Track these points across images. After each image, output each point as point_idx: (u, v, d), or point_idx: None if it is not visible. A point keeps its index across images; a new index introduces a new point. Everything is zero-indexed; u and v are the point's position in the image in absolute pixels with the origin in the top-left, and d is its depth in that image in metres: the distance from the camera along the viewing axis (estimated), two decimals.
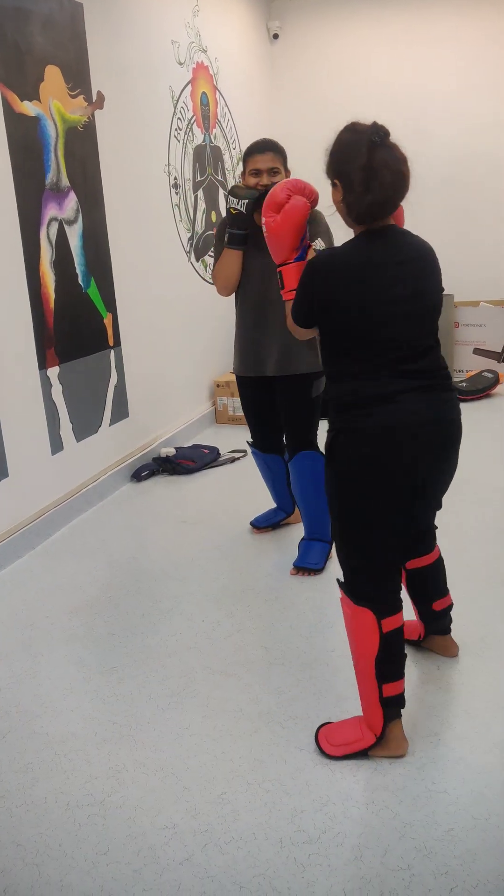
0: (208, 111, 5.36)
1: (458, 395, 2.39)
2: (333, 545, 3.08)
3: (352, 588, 2.02)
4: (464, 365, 6.62)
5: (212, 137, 5.43)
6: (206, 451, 4.67)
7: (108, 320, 4.14)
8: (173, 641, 2.68)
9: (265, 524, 3.56)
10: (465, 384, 5.96)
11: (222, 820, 1.86)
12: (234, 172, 5.84)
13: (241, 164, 3.10)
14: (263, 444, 3.37)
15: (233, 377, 5.49)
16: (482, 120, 6.43)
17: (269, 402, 3.23)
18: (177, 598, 2.98)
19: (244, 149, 3.09)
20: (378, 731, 2.02)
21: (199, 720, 2.24)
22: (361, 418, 1.92)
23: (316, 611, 2.83)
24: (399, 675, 2.01)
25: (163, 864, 1.74)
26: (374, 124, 1.91)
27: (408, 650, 2.52)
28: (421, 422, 1.92)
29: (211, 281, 5.46)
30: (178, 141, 4.91)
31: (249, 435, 3.43)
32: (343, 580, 2.06)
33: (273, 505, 3.64)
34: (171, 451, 4.57)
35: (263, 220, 2.21)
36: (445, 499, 2.26)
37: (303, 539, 3.22)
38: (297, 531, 3.50)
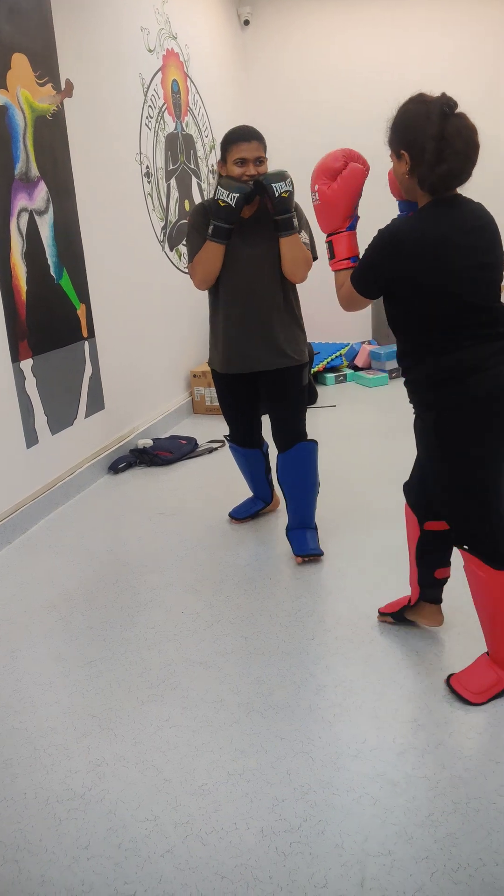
0: (179, 99, 5.31)
1: None
2: (317, 530, 3.11)
3: (488, 554, 2.08)
4: None
5: (184, 125, 5.39)
6: (184, 442, 4.66)
7: (81, 311, 4.10)
8: (152, 633, 2.66)
9: (245, 515, 3.54)
10: None
11: (203, 811, 1.85)
12: (206, 160, 5.80)
13: (216, 151, 3.00)
14: (244, 440, 3.33)
15: (209, 367, 5.46)
16: (458, 105, 6.42)
17: (250, 396, 3.21)
18: (155, 590, 2.97)
19: (219, 137, 3.05)
20: None
21: (179, 712, 2.23)
22: (462, 392, 1.99)
23: (295, 600, 2.83)
24: None
25: (144, 856, 1.73)
26: (444, 95, 1.94)
27: (385, 632, 2.53)
28: None
29: (186, 271, 5.42)
30: (150, 129, 4.87)
31: (227, 430, 3.39)
32: (476, 548, 2.11)
33: (249, 494, 3.63)
34: (148, 442, 4.55)
35: (316, 186, 2.17)
36: None
37: (291, 529, 3.18)
38: (273, 520, 3.50)
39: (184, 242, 5.37)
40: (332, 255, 2.20)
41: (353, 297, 2.13)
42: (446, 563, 2.43)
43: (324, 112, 6.68)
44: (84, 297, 4.12)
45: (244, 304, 2.97)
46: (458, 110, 1.93)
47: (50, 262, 3.79)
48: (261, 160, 2.88)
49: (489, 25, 6.28)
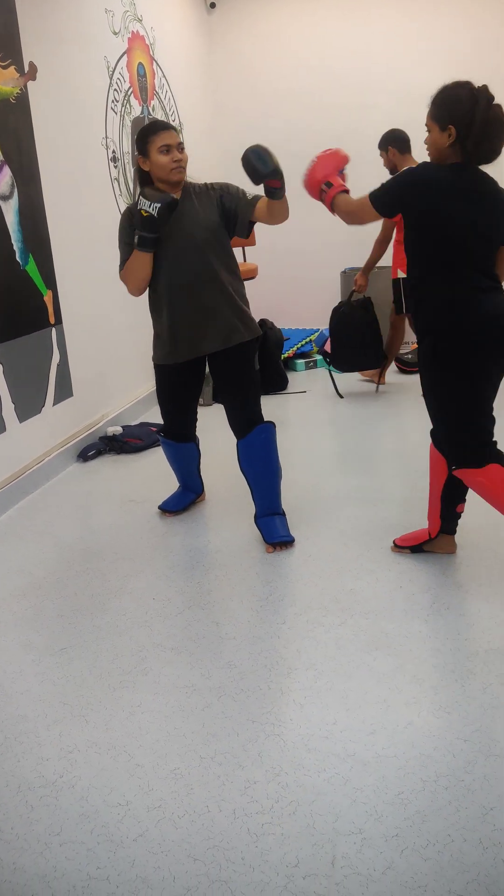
0: (146, 82, 5.26)
1: (404, 366, 2.93)
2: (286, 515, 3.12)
3: (474, 456, 2.56)
4: (409, 337, 6.67)
5: (150, 109, 5.34)
6: (154, 430, 4.64)
7: (48, 298, 4.06)
8: (123, 620, 2.66)
9: (178, 507, 3.51)
10: (410, 356, 6.02)
11: (175, 795, 1.86)
12: None
13: (183, 135, 2.94)
14: (181, 435, 3.32)
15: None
16: (422, 90, 6.42)
17: (191, 388, 3.21)
18: (126, 577, 2.97)
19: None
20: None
21: (151, 697, 2.24)
22: (468, 308, 2.44)
23: (266, 585, 2.84)
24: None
25: (116, 841, 1.74)
26: (486, 86, 2.38)
27: (355, 614, 2.55)
28: None
29: None
30: (116, 113, 4.82)
31: (165, 426, 3.34)
32: (463, 458, 2.58)
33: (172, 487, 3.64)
34: (117, 429, 4.53)
35: (315, 156, 2.61)
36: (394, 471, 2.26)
37: (260, 517, 3.17)
38: (243, 506, 3.49)
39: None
40: (328, 187, 2.61)
41: (363, 212, 2.54)
42: (464, 499, 2.84)
43: (288, 97, 6.66)
44: (51, 283, 4.08)
45: (193, 291, 2.93)
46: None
47: (15, 247, 3.75)
48: (182, 146, 2.88)
49: (454, 12, 6.29)
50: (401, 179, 2.47)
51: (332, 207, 2.64)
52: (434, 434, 2.74)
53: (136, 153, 2.90)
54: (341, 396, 5.40)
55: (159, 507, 3.54)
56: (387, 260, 5.38)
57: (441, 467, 2.74)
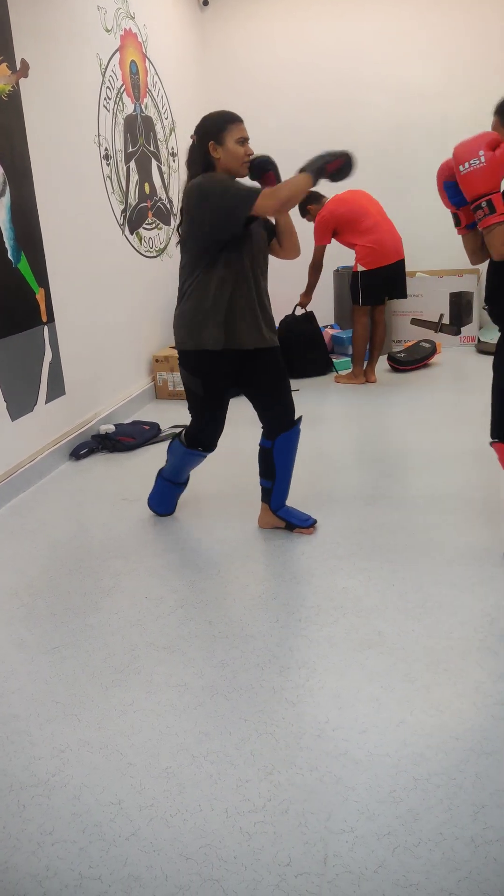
0: (138, 80, 5.25)
1: (397, 365, 2.97)
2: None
3: None
4: (401, 335, 6.68)
5: (143, 107, 5.33)
6: (147, 428, 4.64)
7: (40, 296, 4.05)
8: (116, 619, 2.66)
9: (173, 508, 3.51)
10: (402, 354, 6.02)
11: (167, 794, 1.86)
12: (166, 143, 5.75)
13: (176, 134, 2.90)
14: (212, 444, 3.19)
15: (172, 352, 5.44)
16: (413, 88, 6.44)
17: (230, 386, 3.11)
18: (119, 575, 2.96)
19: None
20: None
21: (144, 696, 2.23)
22: None
23: (258, 583, 2.84)
24: None
25: (108, 840, 1.74)
26: None
27: (347, 613, 2.56)
28: None
29: (146, 254, 5.39)
30: (108, 111, 4.81)
31: (196, 435, 3.14)
32: None
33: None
34: (110, 427, 4.52)
35: (481, 152, 2.44)
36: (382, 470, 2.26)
37: (282, 507, 3.24)
38: (236, 504, 3.49)
39: (175, 213, 5.31)
40: (492, 210, 2.47)
41: None
42: None
43: (281, 94, 6.66)
44: (43, 281, 4.07)
45: (255, 277, 2.93)
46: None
47: (7, 245, 3.73)
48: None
49: (446, 9, 6.29)
50: None
51: (486, 232, 2.51)
52: (495, 427, 2.88)
53: (201, 136, 2.83)
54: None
55: (158, 512, 3.47)
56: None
57: None
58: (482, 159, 2.44)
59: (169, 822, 1.77)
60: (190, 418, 3.16)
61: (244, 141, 2.81)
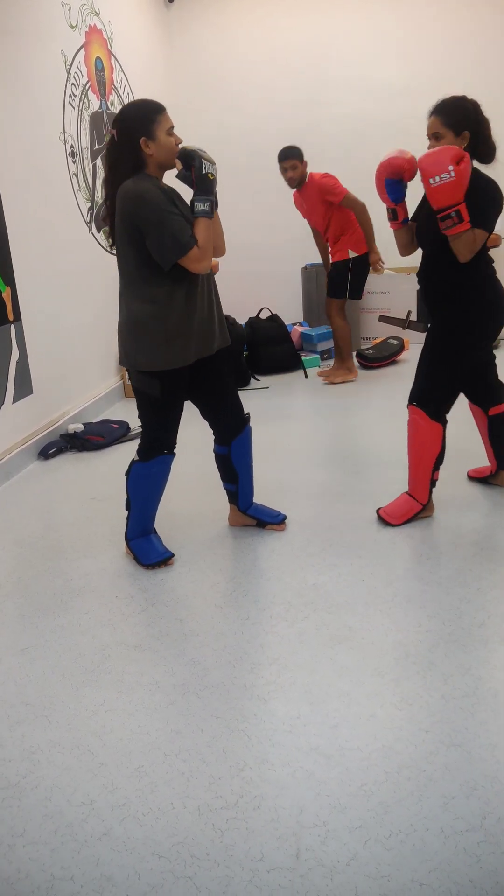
0: (104, 77, 5.22)
1: (365, 362, 3.23)
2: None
3: (432, 410, 3.02)
4: (369, 332, 6.72)
5: (108, 104, 5.30)
6: (116, 427, 4.62)
7: (6, 294, 4.01)
8: (86, 619, 2.65)
9: (167, 553, 3.05)
10: (371, 351, 6.05)
11: (139, 793, 1.86)
12: None
13: (131, 127, 2.55)
14: (175, 439, 2.95)
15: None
16: (380, 87, 6.48)
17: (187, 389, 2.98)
18: (88, 575, 2.95)
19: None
20: (424, 501, 3.18)
21: (115, 696, 2.23)
22: (495, 286, 2.94)
23: (229, 581, 2.85)
24: (439, 465, 3.15)
25: (80, 840, 1.73)
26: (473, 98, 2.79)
27: (318, 609, 2.57)
28: None
29: (113, 252, 5.36)
30: (74, 107, 4.77)
31: (158, 435, 2.88)
32: (423, 404, 3.02)
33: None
34: (79, 427, 4.50)
35: (450, 167, 2.61)
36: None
37: (251, 506, 3.24)
38: (207, 503, 3.49)
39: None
40: (460, 220, 2.69)
41: (481, 242, 2.78)
42: None
43: (247, 91, 6.66)
44: (9, 279, 4.03)
45: (205, 288, 2.78)
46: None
47: None
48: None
49: (409, 9, 6.33)
50: (496, 198, 2.80)
51: (453, 239, 2.75)
52: (467, 391, 3.27)
53: (128, 132, 2.55)
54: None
55: (146, 565, 2.99)
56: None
57: (480, 417, 3.33)
58: (451, 174, 2.62)
59: (141, 821, 1.77)
60: (142, 425, 2.91)
61: (172, 130, 2.60)
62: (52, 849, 1.72)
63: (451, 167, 2.63)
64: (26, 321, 4.21)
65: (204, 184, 2.55)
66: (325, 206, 5.23)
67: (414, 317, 6.70)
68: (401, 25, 6.36)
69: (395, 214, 3.01)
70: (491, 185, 2.79)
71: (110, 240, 2.77)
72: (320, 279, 6.67)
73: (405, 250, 3.14)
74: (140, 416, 2.89)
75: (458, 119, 2.77)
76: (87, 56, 4.94)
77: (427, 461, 3.10)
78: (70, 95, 4.72)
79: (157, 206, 2.52)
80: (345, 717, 2.07)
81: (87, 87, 4.95)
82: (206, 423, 3.08)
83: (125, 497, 3.01)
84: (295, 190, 5.32)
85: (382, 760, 1.91)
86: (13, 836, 1.76)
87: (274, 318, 6.23)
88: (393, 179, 2.92)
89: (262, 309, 6.33)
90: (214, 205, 2.60)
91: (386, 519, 3.19)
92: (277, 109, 6.64)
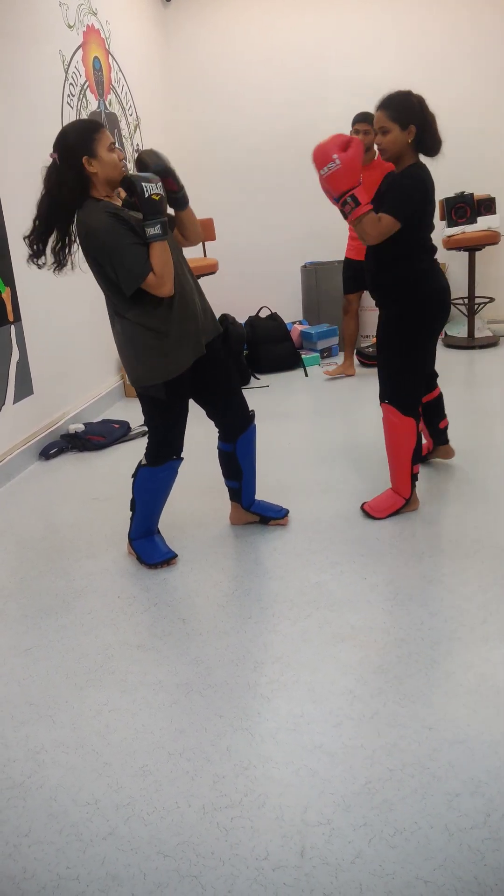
0: (102, 76, 5.22)
1: (365, 359, 3.32)
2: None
3: (403, 405, 3.10)
4: (370, 330, 6.71)
5: (106, 104, 5.30)
6: (117, 426, 4.62)
7: (6, 295, 4.02)
8: (89, 619, 2.65)
9: (170, 552, 3.04)
10: (370, 349, 6.05)
11: (144, 792, 1.86)
12: (131, 140, 5.72)
13: (141, 131, 2.65)
14: (182, 443, 2.92)
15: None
16: (377, 86, 6.46)
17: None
18: (91, 575, 2.95)
19: (143, 115, 2.89)
20: (407, 496, 3.24)
21: (118, 695, 2.23)
22: (434, 280, 3.04)
23: (231, 580, 2.85)
24: (419, 459, 3.22)
25: (86, 840, 1.74)
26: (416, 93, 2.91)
27: (321, 607, 2.57)
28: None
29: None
30: (72, 107, 4.77)
31: (166, 439, 2.85)
32: (394, 401, 3.11)
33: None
34: (79, 427, 4.50)
35: (334, 156, 2.71)
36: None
37: (254, 502, 3.25)
38: (209, 503, 3.49)
39: None
40: (356, 204, 2.80)
41: (390, 230, 2.85)
42: (444, 416, 3.61)
43: (245, 90, 6.65)
44: (9, 280, 4.03)
45: (184, 294, 2.71)
46: None
47: None
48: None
49: (406, 8, 6.32)
50: (419, 191, 2.89)
51: (355, 223, 2.85)
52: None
53: (69, 153, 2.54)
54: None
55: (150, 564, 2.98)
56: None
57: None
58: (337, 162, 2.74)
59: (146, 820, 1.78)
60: (150, 430, 2.90)
61: (113, 146, 2.58)
62: (58, 848, 1.72)
63: (335, 156, 2.74)
64: (26, 322, 4.21)
65: (150, 207, 2.49)
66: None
67: None
68: (398, 24, 6.35)
69: (346, 214, 2.92)
70: (415, 178, 2.88)
71: (36, 260, 2.76)
72: (320, 277, 6.67)
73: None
74: (147, 423, 2.90)
75: (403, 113, 2.87)
76: (84, 56, 4.94)
77: (405, 456, 3.15)
78: (68, 95, 4.71)
79: (109, 239, 2.52)
80: (348, 715, 2.08)
81: (85, 87, 4.95)
82: (207, 423, 3.08)
83: (129, 497, 3.01)
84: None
85: (386, 758, 1.91)
86: (18, 835, 1.77)
87: (274, 317, 6.25)
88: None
89: (261, 308, 6.35)
90: (166, 225, 2.53)
91: (370, 513, 3.24)
92: (274, 108, 6.64)
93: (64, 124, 4.63)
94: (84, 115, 4.93)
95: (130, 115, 5.72)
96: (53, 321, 4.55)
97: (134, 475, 2.96)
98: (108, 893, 1.60)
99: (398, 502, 3.24)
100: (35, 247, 2.71)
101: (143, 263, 2.53)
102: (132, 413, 5.00)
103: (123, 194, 2.65)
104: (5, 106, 3.98)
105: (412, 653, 2.33)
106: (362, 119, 5.06)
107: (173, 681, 2.28)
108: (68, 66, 4.71)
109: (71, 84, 4.74)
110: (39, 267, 2.74)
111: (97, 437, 4.45)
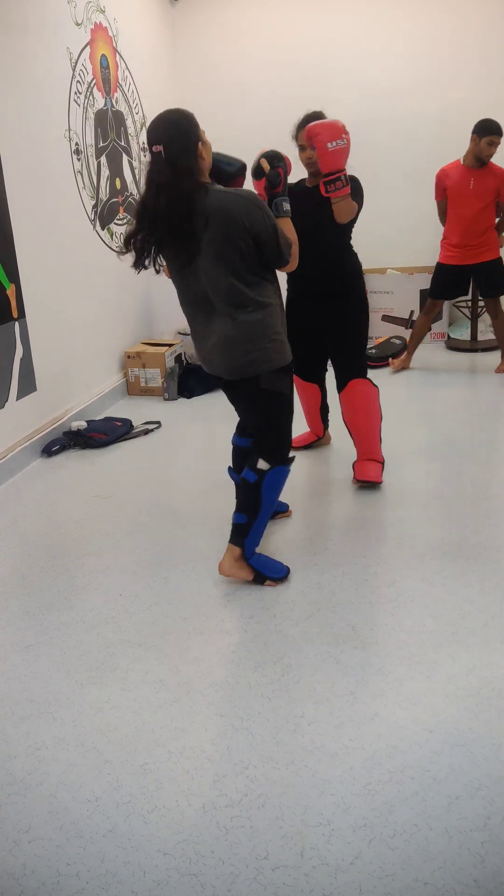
0: (109, 74, 5.22)
1: (368, 361, 3.70)
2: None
3: (367, 376, 3.55)
4: (373, 332, 6.71)
5: (113, 102, 5.29)
6: (119, 424, 4.62)
7: (10, 291, 4.02)
8: (91, 617, 2.65)
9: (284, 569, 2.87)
10: (374, 350, 6.06)
11: (144, 790, 1.87)
12: (137, 138, 5.72)
13: (188, 135, 2.45)
14: None
15: (144, 348, 5.43)
16: (382, 86, 6.46)
17: None
18: (92, 573, 2.96)
19: (149, 114, 2.90)
20: (382, 458, 3.63)
21: (119, 693, 2.23)
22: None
23: (233, 580, 2.85)
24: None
25: (86, 837, 1.74)
26: None
27: (322, 608, 2.57)
28: None
29: (117, 250, 5.36)
30: (79, 105, 4.77)
31: (289, 438, 2.81)
32: (365, 374, 3.54)
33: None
34: (82, 424, 4.50)
35: (344, 134, 3.01)
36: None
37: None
38: (210, 501, 3.50)
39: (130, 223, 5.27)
40: (345, 183, 3.10)
41: (355, 213, 3.29)
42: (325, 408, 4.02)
43: (251, 90, 6.64)
44: (13, 276, 4.04)
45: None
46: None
47: None
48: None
49: (413, 8, 6.32)
50: (360, 187, 3.30)
51: (339, 200, 3.16)
52: (302, 371, 3.69)
53: (186, 140, 2.50)
54: None
55: (279, 578, 2.80)
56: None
57: (312, 392, 3.93)
58: (345, 140, 3.02)
59: (146, 818, 1.78)
60: (281, 430, 2.77)
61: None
62: (58, 845, 1.73)
63: (344, 135, 3.03)
64: (30, 318, 4.21)
65: (286, 184, 2.72)
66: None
67: (417, 317, 6.71)
68: (406, 24, 6.34)
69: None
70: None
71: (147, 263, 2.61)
72: None
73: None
74: (272, 425, 2.74)
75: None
76: (92, 53, 4.93)
77: (379, 421, 3.57)
78: (75, 93, 4.71)
79: (273, 221, 2.56)
80: (349, 717, 2.08)
81: (92, 85, 4.95)
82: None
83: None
84: (468, 166, 4.97)
85: (386, 760, 1.92)
86: (18, 832, 1.77)
87: None
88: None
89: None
90: (287, 207, 2.71)
91: (369, 480, 3.50)
92: (282, 107, 6.62)
93: (70, 122, 4.64)
94: (90, 114, 4.94)
95: (137, 113, 5.72)
96: (58, 318, 4.55)
97: (258, 483, 2.71)
98: (107, 890, 1.61)
99: (380, 466, 3.57)
100: (143, 251, 2.55)
101: (290, 233, 2.69)
102: (135, 411, 5.00)
103: (266, 167, 2.76)
104: (13, 103, 3.98)
105: (413, 655, 2.33)
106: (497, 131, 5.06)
107: (174, 679, 2.28)
108: (76, 63, 4.71)
109: (78, 81, 4.74)
110: (146, 268, 2.62)
111: (99, 434, 4.45)
